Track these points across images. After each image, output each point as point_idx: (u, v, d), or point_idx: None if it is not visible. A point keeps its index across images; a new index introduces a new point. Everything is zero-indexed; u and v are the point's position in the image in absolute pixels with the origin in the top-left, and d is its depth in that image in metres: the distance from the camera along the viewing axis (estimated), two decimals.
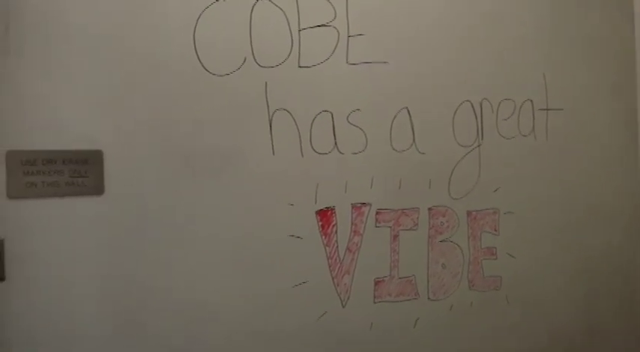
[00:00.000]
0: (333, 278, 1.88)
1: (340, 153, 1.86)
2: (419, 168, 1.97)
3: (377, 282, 1.94)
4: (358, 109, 1.88)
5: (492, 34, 2.08)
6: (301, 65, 1.81)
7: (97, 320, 1.61)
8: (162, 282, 1.67)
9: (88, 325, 1.61)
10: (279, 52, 1.79)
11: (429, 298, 2.01)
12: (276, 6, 1.78)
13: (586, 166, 2.26)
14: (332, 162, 1.85)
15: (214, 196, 1.72)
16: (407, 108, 1.95)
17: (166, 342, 1.68)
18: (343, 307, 1.89)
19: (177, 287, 1.69)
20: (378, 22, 1.91)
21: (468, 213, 2.06)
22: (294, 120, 1.80)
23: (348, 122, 1.87)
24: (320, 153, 1.84)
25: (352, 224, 1.90)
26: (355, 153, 1.89)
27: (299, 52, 1.81)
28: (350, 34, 1.87)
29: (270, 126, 1.78)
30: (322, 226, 1.85)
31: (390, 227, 1.95)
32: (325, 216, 1.86)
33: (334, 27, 1.85)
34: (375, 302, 1.93)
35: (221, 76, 1.72)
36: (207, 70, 1.71)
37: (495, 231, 2.11)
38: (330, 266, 1.87)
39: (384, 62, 1.92)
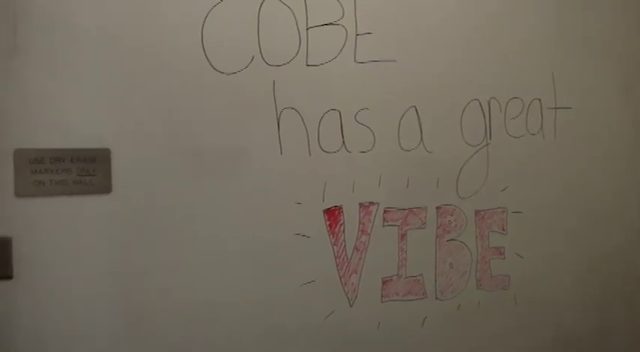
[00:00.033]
0: (340, 278, 1.87)
1: (348, 151, 1.86)
2: (427, 167, 1.96)
3: (384, 281, 1.93)
4: (366, 108, 1.88)
5: (500, 33, 2.07)
6: (309, 63, 1.81)
7: (104, 318, 1.61)
8: (171, 281, 1.67)
9: (96, 324, 1.61)
10: (287, 50, 1.78)
11: (436, 297, 2.00)
12: (284, 4, 1.77)
13: (595, 165, 2.24)
14: (340, 161, 1.85)
15: (222, 195, 1.72)
16: (415, 106, 1.94)
17: (174, 341, 1.68)
18: (351, 306, 1.88)
19: (184, 286, 1.68)
20: (386, 20, 1.90)
21: (476, 212, 2.05)
22: (302, 118, 1.80)
23: (356, 121, 1.87)
24: (328, 152, 1.83)
25: (360, 223, 1.89)
26: (363, 152, 1.88)
27: (307, 51, 1.80)
28: (358, 33, 1.86)
29: (278, 125, 1.77)
30: (330, 225, 1.85)
31: (398, 226, 1.94)
32: (333, 215, 1.85)
33: (342, 25, 1.84)
34: (382, 302, 1.93)
35: (229, 74, 1.72)
36: (214, 68, 1.70)
37: (503, 230, 2.10)
38: (337, 266, 1.86)
39: (392, 61, 1.91)
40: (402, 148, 1.93)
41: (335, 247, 1.86)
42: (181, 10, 1.67)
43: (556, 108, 2.16)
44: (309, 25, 1.80)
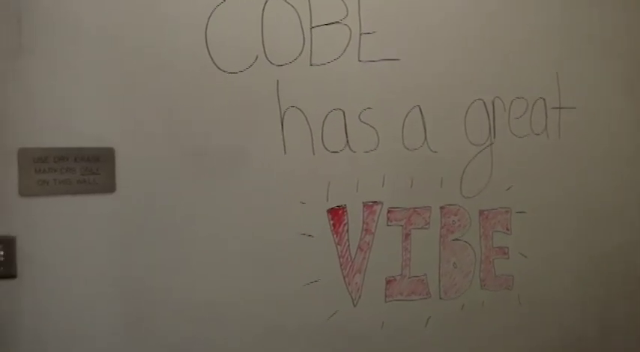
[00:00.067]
0: (344, 277, 1.87)
1: (352, 151, 1.86)
2: (431, 166, 1.96)
3: (388, 281, 1.93)
4: (370, 107, 1.87)
5: (505, 32, 2.06)
6: (313, 63, 1.80)
7: (105, 318, 1.61)
8: (171, 281, 1.67)
9: (96, 324, 1.61)
10: (291, 49, 1.78)
11: (440, 297, 2.00)
12: (288, 3, 1.77)
13: (599, 165, 2.23)
14: (343, 161, 1.84)
15: (225, 194, 1.72)
16: (419, 106, 1.94)
17: (174, 341, 1.68)
18: (354, 306, 1.88)
19: (185, 286, 1.68)
20: (390, 19, 1.89)
21: (480, 212, 2.04)
22: (306, 118, 1.79)
23: (360, 120, 1.86)
24: (332, 152, 1.83)
25: (364, 222, 1.89)
26: (367, 152, 1.88)
27: (311, 50, 1.80)
28: (362, 32, 1.86)
29: (282, 125, 1.77)
30: (334, 225, 1.84)
31: (402, 225, 1.94)
32: (337, 214, 1.85)
33: (346, 24, 1.84)
34: (386, 301, 1.92)
35: (232, 73, 1.72)
36: (218, 67, 1.70)
37: (507, 230, 2.09)
38: (341, 265, 1.86)
39: (396, 60, 1.90)
40: (406, 148, 1.93)
41: (339, 247, 1.86)
42: (184, 10, 1.67)
43: (560, 108, 2.16)
44: (313, 24, 1.80)
